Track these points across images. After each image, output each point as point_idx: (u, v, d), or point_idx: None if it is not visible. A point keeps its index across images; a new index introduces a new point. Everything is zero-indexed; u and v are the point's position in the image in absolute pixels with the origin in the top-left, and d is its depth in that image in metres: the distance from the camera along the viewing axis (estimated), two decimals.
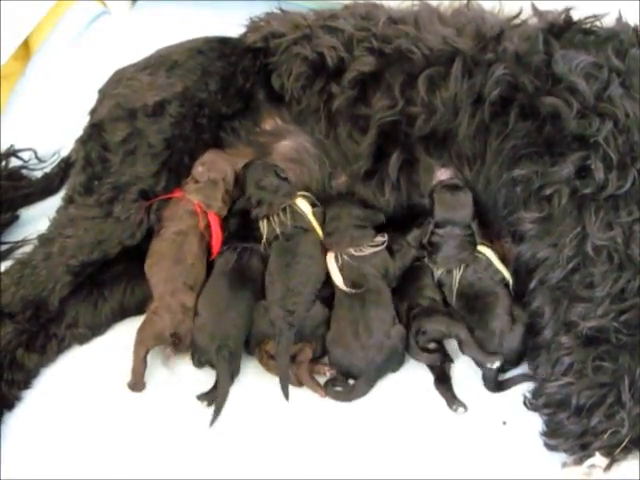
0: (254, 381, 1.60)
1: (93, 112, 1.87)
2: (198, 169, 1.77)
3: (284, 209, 1.73)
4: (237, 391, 1.58)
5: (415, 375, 1.60)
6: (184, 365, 1.63)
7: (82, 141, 1.80)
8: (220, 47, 1.88)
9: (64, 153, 2.00)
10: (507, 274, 1.65)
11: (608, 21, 1.75)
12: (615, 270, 1.48)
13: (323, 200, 1.80)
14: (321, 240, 1.72)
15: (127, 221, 1.67)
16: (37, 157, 2.04)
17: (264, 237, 1.71)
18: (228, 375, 1.56)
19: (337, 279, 1.67)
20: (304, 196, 1.77)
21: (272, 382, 1.58)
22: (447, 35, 1.73)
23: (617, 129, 1.56)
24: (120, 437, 1.53)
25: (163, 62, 1.84)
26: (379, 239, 1.71)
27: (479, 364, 1.57)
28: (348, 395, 1.56)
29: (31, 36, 2.36)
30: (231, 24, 1.98)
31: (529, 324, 1.57)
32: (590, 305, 1.47)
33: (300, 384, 1.58)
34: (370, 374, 1.57)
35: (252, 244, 1.73)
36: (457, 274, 1.66)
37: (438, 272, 1.68)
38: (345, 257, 1.68)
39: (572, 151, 1.57)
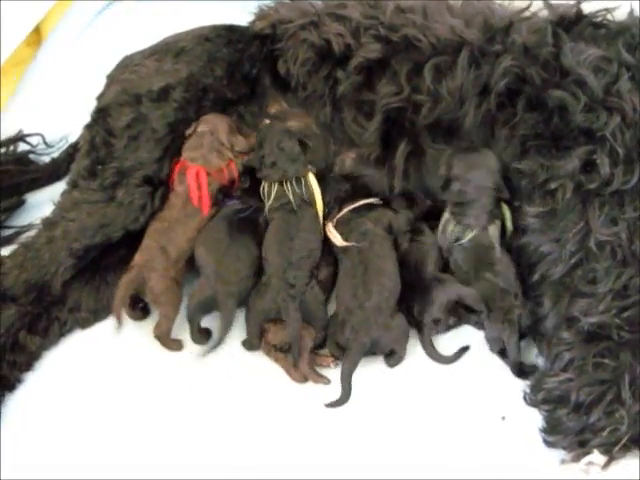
0: (254, 379, 1.61)
1: (100, 97, 1.87)
2: (188, 128, 1.77)
3: (297, 179, 1.72)
4: (237, 388, 1.58)
5: (413, 372, 1.59)
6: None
7: (88, 126, 1.80)
8: (227, 34, 1.88)
9: (72, 139, 2.00)
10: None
11: (619, 14, 1.73)
12: (618, 266, 1.47)
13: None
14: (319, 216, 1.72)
15: (130, 206, 1.67)
16: (45, 142, 2.03)
17: (269, 201, 1.72)
18: (230, 319, 1.59)
19: (338, 240, 1.68)
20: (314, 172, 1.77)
21: (271, 379, 1.59)
22: (455, 25, 1.72)
23: (625, 123, 1.55)
24: (121, 421, 1.53)
25: (170, 49, 1.85)
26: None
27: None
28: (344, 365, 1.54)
29: (43, 23, 2.36)
30: (239, 14, 1.99)
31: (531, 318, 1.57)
32: (592, 301, 1.46)
33: (304, 379, 1.57)
34: (363, 338, 1.55)
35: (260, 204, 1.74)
36: (473, 233, 1.63)
37: (455, 229, 1.65)
38: (342, 217, 1.70)
39: (578, 145, 1.56)
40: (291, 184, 1.72)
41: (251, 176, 1.78)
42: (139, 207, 1.68)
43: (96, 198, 1.67)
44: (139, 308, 1.68)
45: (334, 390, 1.54)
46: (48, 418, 1.55)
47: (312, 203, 1.73)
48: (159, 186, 1.71)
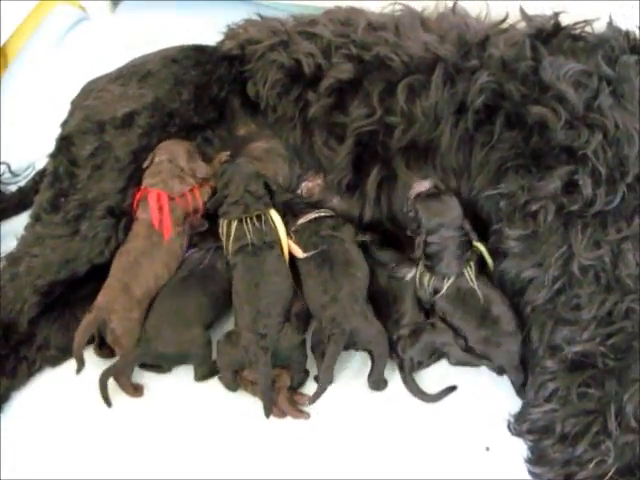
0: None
1: (64, 124, 1.81)
2: (146, 161, 1.72)
3: (258, 217, 1.67)
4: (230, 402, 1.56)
5: (395, 401, 1.56)
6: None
7: (52, 155, 1.75)
8: (195, 55, 1.84)
9: (39, 166, 1.95)
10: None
11: (599, 26, 1.71)
12: (602, 292, 1.43)
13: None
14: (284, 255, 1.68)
15: (95, 239, 1.62)
16: (10, 171, 1.99)
17: (229, 241, 1.66)
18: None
19: (299, 253, 1.65)
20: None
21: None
22: (428, 42, 1.68)
23: (606, 141, 1.51)
24: (93, 462, 1.49)
25: (136, 72, 1.80)
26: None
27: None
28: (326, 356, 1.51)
29: (8, 44, 2.31)
30: (212, 29, 1.95)
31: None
32: (576, 328, 1.42)
33: (283, 414, 1.53)
34: (344, 326, 1.52)
35: (218, 244, 1.69)
36: (450, 281, 1.59)
37: (432, 281, 1.61)
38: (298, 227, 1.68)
39: (560, 164, 1.52)
40: (251, 221, 1.67)
41: (209, 219, 1.74)
42: (103, 240, 1.63)
43: (59, 232, 1.62)
44: (107, 346, 1.61)
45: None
46: (20, 461, 1.50)
47: (274, 243, 1.66)
48: (122, 217, 1.66)
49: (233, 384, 1.56)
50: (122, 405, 1.54)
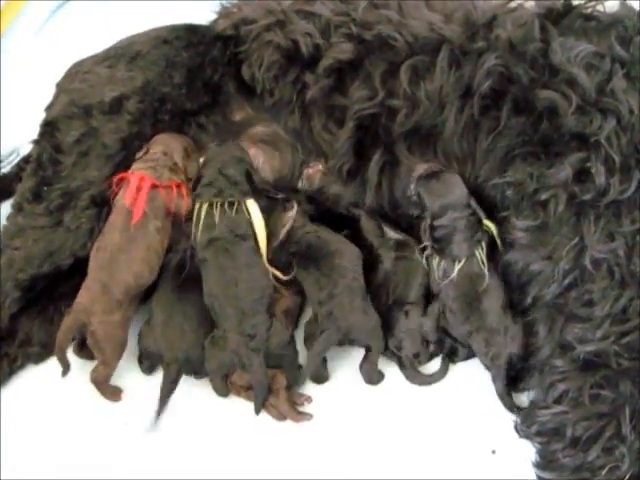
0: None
1: (48, 109, 1.75)
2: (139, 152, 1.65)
3: (231, 204, 1.59)
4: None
5: (402, 402, 1.52)
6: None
7: (36, 141, 1.70)
8: (187, 36, 1.77)
9: (23, 152, 1.87)
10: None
11: (611, 5, 1.64)
12: (616, 287, 1.38)
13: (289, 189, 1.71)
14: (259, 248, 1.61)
15: (78, 230, 1.57)
16: None
17: (199, 225, 1.56)
18: (171, 386, 1.49)
19: (274, 271, 1.59)
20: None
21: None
22: (433, 22, 1.62)
23: (620, 127, 1.46)
24: (79, 463, 1.46)
25: (124, 53, 1.74)
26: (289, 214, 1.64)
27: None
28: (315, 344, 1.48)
29: None
30: (204, 10, 1.86)
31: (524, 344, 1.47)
32: (588, 326, 1.37)
33: (282, 417, 1.48)
34: (341, 323, 1.48)
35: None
36: (461, 263, 1.53)
37: (441, 264, 1.55)
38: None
39: (570, 151, 1.47)
40: (222, 208, 1.57)
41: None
42: (87, 232, 1.58)
43: (42, 223, 1.57)
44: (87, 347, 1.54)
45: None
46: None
47: (247, 235, 1.57)
48: (104, 206, 1.60)
49: (224, 389, 1.50)
50: (116, 405, 1.53)
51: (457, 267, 1.53)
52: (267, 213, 1.62)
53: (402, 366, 1.53)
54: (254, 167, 1.67)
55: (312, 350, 1.49)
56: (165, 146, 1.64)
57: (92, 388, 1.51)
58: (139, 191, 1.56)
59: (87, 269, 1.55)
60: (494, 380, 1.47)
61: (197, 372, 1.53)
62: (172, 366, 1.49)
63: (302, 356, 1.54)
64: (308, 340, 1.54)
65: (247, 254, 1.56)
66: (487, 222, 1.56)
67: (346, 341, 1.51)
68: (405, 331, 1.53)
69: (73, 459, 1.46)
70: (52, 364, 1.57)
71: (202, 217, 1.57)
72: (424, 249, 1.58)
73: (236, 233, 1.56)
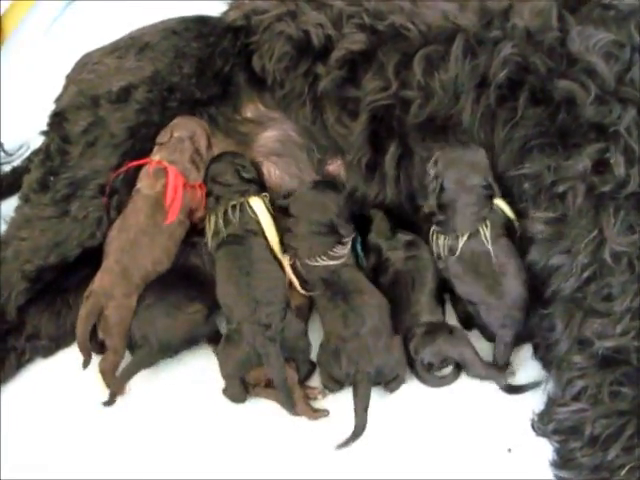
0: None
1: (58, 100, 1.75)
2: (161, 133, 1.65)
3: (234, 207, 1.60)
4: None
5: (417, 399, 1.49)
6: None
7: (45, 132, 1.69)
8: (197, 27, 1.76)
9: (34, 146, 1.86)
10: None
11: None
12: (636, 281, 1.34)
13: None
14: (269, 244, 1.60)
15: (85, 220, 1.56)
16: (4, 150, 1.93)
17: (209, 234, 1.59)
18: (137, 366, 1.49)
19: (295, 283, 1.56)
20: (263, 196, 1.65)
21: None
22: (448, 10, 1.60)
23: None
24: (88, 459, 1.45)
25: (133, 44, 1.73)
26: (339, 250, 1.57)
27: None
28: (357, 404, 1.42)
29: (2, 23, 2.28)
30: (213, 7, 1.86)
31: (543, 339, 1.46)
32: (607, 321, 1.33)
33: (296, 414, 1.45)
34: (367, 368, 1.43)
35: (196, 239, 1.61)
36: (463, 239, 1.51)
37: (446, 241, 1.54)
38: (301, 263, 1.57)
39: (589, 142, 1.44)
40: (225, 213, 1.59)
41: None
42: (95, 221, 1.57)
43: (48, 213, 1.56)
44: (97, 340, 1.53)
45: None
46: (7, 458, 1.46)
47: (257, 231, 1.58)
48: (114, 195, 1.59)
49: (241, 394, 1.47)
50: (117, 404, 1.50)
51: (461, 242, 1.51)
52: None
53: (411, 367, 1.49)
54: (246, 164, 1.65)
55: (357, 410, 1.42)
56: (190, 131, 1.64)
57: (92, 388, 1.51)
58: (176, 191, 1.56)
59: (95, 261, 1.55)
60: (497, 356, 1.46)
61: (171, 354, 1.52)
62: (142, 348, 1.48)
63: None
64: (323, 365, 1.49)
65: (260, 248, 1.56)
66: (499, 202, 1.54)
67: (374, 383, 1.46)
68: (435, 345, 1.48)
69: (73, 459, 1.45)
70: (52, 364, 1.58)
71: (211, 226, 1.58)
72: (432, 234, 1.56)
73: (246, 228, 1.57)
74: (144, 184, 1.59)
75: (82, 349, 1.48)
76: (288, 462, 1.42)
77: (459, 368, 1.49)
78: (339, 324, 1.47)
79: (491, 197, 1.54)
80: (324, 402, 1.48)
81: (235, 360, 1.45)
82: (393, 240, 1.60)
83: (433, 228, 1.56)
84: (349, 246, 1.58)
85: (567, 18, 1.53)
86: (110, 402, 1.46)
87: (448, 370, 1.50)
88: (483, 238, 1.51)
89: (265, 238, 1.58)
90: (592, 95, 1.44)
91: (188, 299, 1.51)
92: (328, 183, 1.65)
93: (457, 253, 1.51)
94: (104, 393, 1.49)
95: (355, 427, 1.40)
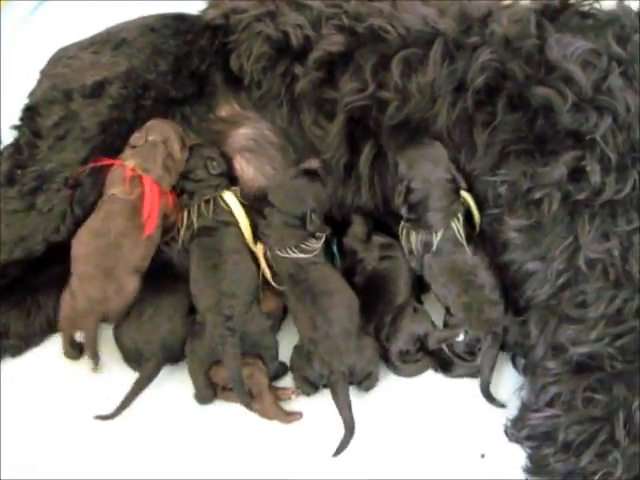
0: None
1: (31, 94, 1.72)
2: (135, 135, 1.63)
3: (207, 201, 1.60)
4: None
5: (389, 404, 1.49)
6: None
7: (16, 126, 1.65)
8: (175, 24, 1.75)
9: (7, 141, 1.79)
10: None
11: (608, 4, 1.64)
12: (611, 287, 1.35)
13: None
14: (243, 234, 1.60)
15: (50, 213, 1.53)
16: None
17: (182, 230, 1.59)
18: (146, 380, 1.47)
19: (266, 273, 1.55)
20: (234, 191, 1.65)
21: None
22: (427, 15, 1.61)
23: (617, 125, 1.44)
24: (88, 459, 1.44)
25: (110, 40, 1.71)
26: (312, 244, 1.56)
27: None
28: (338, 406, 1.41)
29: None
30: (195, 3, 1.84)
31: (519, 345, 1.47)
32: (582, 327, 1.34)
33: (270, 417, 1.43)
34: (339, 368, 1.42)
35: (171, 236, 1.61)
36: (438, 236, 1.52)
37: (419, 237, 1.54)
38: (272, 253, 1.56)
39: (565, 149, 1.45)
40: (198, 207, 1.59)
41: None
42: (59, 214, 1.54)
43: (14, 207, 1.53)
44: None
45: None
46: None
47: (229, 222, 1.58)
48: (77, 188, 1.56)
49: (207, 391, 1.45)
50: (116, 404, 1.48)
51: (436, 239, 1.51)
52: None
53: (386, 360, 1.49)
54: (215, 157, 1.65)
55: (342, 409, 1.41)
56: (162, 135, 1.62)
57: (92, 388, 1.50)
58: (152, 203, 1.55)
59: (65, 258, 1.52)
60: (484, 353, 1.44)
61: (177, 358, 1.49)
62: (151, 360, 1.46)
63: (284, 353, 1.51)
64: (295, 364, 1.48)
65: (231, 239, 1.55)
66: (464, 193, 1.55)
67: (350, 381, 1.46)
68: (403, 327, 1.49)
69: (73, 459, 1.43)
70: (53, 364, 1.56)
71: (184, 221, 1.58)
72: (402, 230, 1.57)
73: (218, 219, 1.57)
74: (119, 190, 1.56)
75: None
76: (273, 465, 1.41)
77: (431, 355, 1.50)
78: (308, 326, 1.47)
79: (457, 190, 1.55)
80: (299, 404, 1.47)
81: (200, 352, 1.44)
82: (369, 244, 1.60)
83: (403, 224, 1.56)
84: (322, 241, 1.57)
85: (546, 26, 1.55)
86: (116, 414, 1.45)
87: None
88: (457, 233, 1.51)
89: (239, 229, 1.58)
90: (569, 102, 1.45)
91: (182, 299, 1.52)
92: (313, 174, 1.63)
93: (433, 249, 1.51)
94: (104, 392, 1.48)
95: (345, 427, 1.39)
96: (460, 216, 1.53)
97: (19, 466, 1.42)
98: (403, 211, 1.56)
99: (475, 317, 1.47)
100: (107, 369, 1.52)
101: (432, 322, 1.52)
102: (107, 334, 1.53)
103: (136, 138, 1.62)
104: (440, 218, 1.53)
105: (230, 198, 1.61)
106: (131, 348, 1.49)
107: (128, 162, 1.58)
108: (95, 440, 1.45)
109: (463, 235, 1.52)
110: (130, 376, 1.49)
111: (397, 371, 1.50)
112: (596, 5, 1.61)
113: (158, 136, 1.62)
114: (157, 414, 1.48)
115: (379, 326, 1.50)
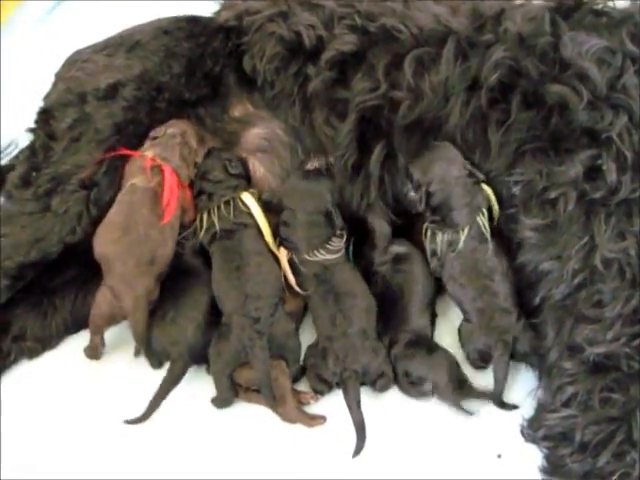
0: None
1: (46, 98, 1.73)
2: (155, 129, 1.65)
3: (227, 202, 1.60)
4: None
5: (405, 405, 1.48)
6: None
7: (31, 129, 1.67)
8: (189, 27, 1.75)
9: (23, 144, 1.80)
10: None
11: (622, 2, 1.63)
12: (627, 287, 1.34)
13: None
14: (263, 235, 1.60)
15: (66, 215, 1.54)
16: None
17: (202, 232, 1.59)
18: (174, 382, 1.46)
19: (290, 277, 1.55)
20: (252, 192, 1.65)
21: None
22: (439, 13, 1.60)
23: (632, 123, 1.43)
24: (87, 459, 1.44)
25: (124, 42, 1.72)
26: (337, 243, 1.56)
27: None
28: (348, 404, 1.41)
29: None
30: (207, 5, 1.85)
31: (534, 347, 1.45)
32: (598, 327, 1.33)
33: (293, 421, 1.43)
34: (353, 366, 1.43)
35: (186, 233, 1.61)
36: (465, 233, 1.51)
37: (445, 237, 1.53)
38: (300, 259, 1.56)
39: (581, 148, 1.44)
40: (218, 209, 1.58)
41: None
42: (75, 215, 1.54)
43: (30, 209, 1.54)
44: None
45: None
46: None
47: (249, 224, 1.58)
48: (93, 188, 1.56)
49: (228, 394, 1.45)
50: (118, 405, 1.50)
51: (463, 236, 1.50)
52: None
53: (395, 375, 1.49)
54: (233, 159, 1.65)
55: (352, 407, 1.41)
56: (181, 129, 1.64)
57: (92, 388, 1.51)
58: (172, 191, 1.56)
59: (81, 260, 1.55)
60: (496, 362, 1.43)
61: (204, 359, 1.49)
62: (178, 362, 1.46)
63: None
64: (308, 361, 1.49)
65: (250, 241, 1.56)
66: (485, 187, 1.54)
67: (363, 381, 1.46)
68: (413, 364, 1.47)
69: (73, 459, 1.44)
70: (53, 364, 1.56)
71: (204, 223, 1.58)
72: (426, 231, 1.55)
73: (237, 222, 1.57)
74: (140, 179, 1.57)
75: (146, 350, 1.49)
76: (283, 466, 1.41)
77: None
78: (327, 324, 1.48)
79: (477, 183, 1.53)
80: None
81: (225, 354, 1.44)
82: (386, 254, 1.59)
83: (427, 225, 1.55)
84: (344, 239, 1.57)
85: (560, 23, 1.54)
86: (145, 418, 1.45)
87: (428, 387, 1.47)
88: (482, 228, 1.50)
89: (259, 231, 1.58)
90: (584, 100, 1.45)
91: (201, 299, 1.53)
92: (318, 172, 1.63)
93: (460, 246, 1.50)
94: (103, 394, 1.49)
95: (355, 426, 1.39)
96: (484, 210, 1.52)
97: (19, 466, 1.43)
98: (426, 214, 1.55)
99: (486, 323, 1.46)
100: (105, 369, 1.54)
101: (447, 372, 1.46)
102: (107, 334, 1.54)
103: (156, 131, 1.64)
104: (465, 214, 1.52)
105: (248, 199, 1.61)
106: (157, 349, 1.49)
107: (147, 153, 1.60)
108: (95, 440, 1.45)
109: (488, 229, 1.51)
110: (129, 374, 1.51)
111: (401, 389, 1.48)
112: (610, 3, 1.60)
113: (177, 129, 1.64)
114: (157, 414, 1.47)
115: (392, 341, 1.49)
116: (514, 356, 1.45)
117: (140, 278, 1.49)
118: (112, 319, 1.50)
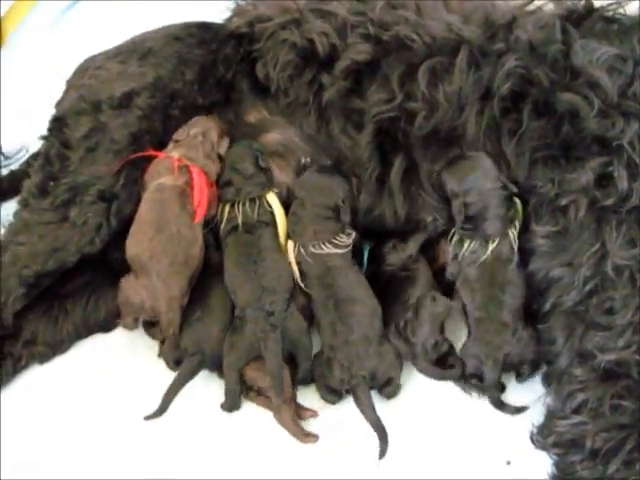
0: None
1: (58, 105, 1.73)
2: (178, 131, 1.66)
3: (252, 199, 1.60)
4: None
5: (415, 410, 1.49)
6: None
7: (44, 137, 1.67)
8: (200, 33, 1.75)
9: (33, 149, 1.85)
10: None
11: (633, 8, 1.63)
12: (638, 294, 1.35)
13: None
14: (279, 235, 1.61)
15: (84, 226, 1.54)
16: (2, 154, 1.90)
17: (222, 223, 1.59)
18: (187, 376, 1.47)
19: (295, 272, 1.55)
20: (276, 192, 1.65)
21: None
22: (452, 22, 1.59)
23: None
24: (87, 459, 1.45)
25: (136, 49, 1.71)
26: (344, 239, 1.57)
27: None
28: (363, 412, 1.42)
29: (2, 25, 2.25)
30: (219, 8, 1.84)
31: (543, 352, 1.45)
32: (609, 334, 1.33)
33: (286, 429, 1.44)
34: (359, 372, 1.43)
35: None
36: (494, 243, 1.51)
37: (472, 245, 1.53)
38: (305, 250, 1.56)
39: (592, 155, 1.44)
40: (243, 205, 1.59)
41: None
42: (94, 227, 1.54)
43: (47, 219, 1.54)
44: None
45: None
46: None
47: (269, 222, 1.59)
48: (113, 201, 1.57)
49: (237, 389, 1.46)
50: (118, 404, 1.50)
51: (491, 246, 1.50)
52: None
53: (414, 356, 1.49)
54: (263, 151, 1.65)
55: (366, 412, 1.42)
56: (202, 126, 1.65)
57: (93, 388, 1.51)
58: (201, 190, 1.57)
59: (94, 267, 1.56)
60: (486, 374, 1.44)
61: (218, 367, 1.50)
62: (195, 357, 1.46)
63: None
64: (315, 370, 1.49)
65: (268, 238, 1.56)
66: (516, 200, 1.53)
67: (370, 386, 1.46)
68: (425, 313, 1.49)
69: (73, 459, 1.44)
70: (53, 364, 1.56)
71: (225, 215, 1.59)
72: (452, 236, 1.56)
73: (259, 219, 1.57)
74: (167, 178, 1.58)
75: (176, 344, 1.49)
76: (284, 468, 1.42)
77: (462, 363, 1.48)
78: (329, 333, 1.48)
79: (510, 197, 1.53)
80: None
81: (240, 347, 1.45)
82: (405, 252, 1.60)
83: (455, 230, 1.55)
84: (352, 239, 1.57)
85: (570, 31, 1.54)
86: (161, 413, 1.45)
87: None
88: (512, 240, 1.50)
89: (276, 230, 1.58)
90: (595, 108, 1.45)
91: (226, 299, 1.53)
92: (334, 168, 1.64)
93: (485, 256, 1.50)
94: (113, 399, 1.50)
95: (374, 429, 1.39)
96: (517, 224, 1.52)
97: (19, 466, 1.43)
98: (457, 225, 1.55)
99: (481, 335, 1.46)
100: (115, 373, 1.54)
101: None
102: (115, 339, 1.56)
103: (179, 133, 1.65)
104: (498, 226, 1.51)
105: (274, 201, 1.61)
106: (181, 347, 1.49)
107: (173, 153, 1.61)
108: (95, 440, 1.46)
109: (516, 244, 1.50)
110: (139, 379, 1.52)
111: (423, 370, 1.49)
112: (620, 10, 1.60)
113: (199, 128, 1.65)
114: (163, 418, 1.47)
115: (401, 324, 1.50)
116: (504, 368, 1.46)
117: (175, 277, 1.49)
118: (141, 311, 1.50)
